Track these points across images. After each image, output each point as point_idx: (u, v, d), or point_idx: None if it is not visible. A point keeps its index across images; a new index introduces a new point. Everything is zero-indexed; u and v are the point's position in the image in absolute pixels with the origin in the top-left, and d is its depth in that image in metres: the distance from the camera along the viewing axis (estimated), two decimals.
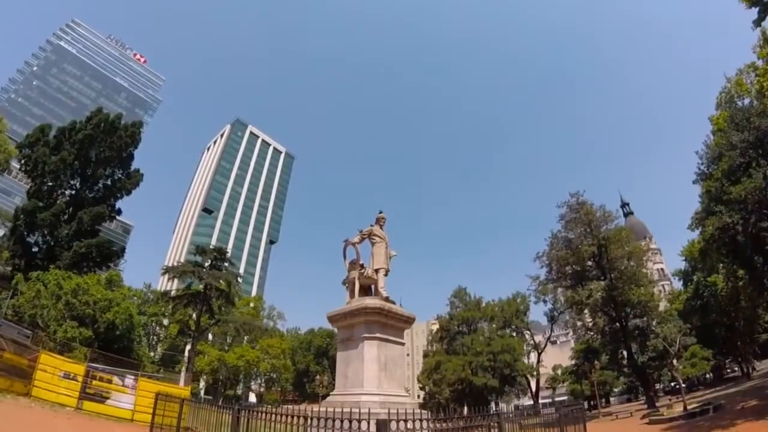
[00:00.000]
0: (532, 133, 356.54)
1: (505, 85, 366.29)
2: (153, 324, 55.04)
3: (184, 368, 46.57)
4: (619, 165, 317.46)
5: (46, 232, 34.99)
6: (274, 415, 6.66)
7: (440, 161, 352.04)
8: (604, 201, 58.17)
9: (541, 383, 58.37)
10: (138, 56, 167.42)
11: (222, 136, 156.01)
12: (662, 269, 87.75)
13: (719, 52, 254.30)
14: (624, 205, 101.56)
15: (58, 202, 36.05)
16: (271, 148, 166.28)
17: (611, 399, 67.70)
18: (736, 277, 31.57)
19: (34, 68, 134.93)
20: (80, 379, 19.72)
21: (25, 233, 34.93)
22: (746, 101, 22.00)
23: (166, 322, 55.20)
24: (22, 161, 36.97)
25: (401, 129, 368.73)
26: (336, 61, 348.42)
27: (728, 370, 62.80)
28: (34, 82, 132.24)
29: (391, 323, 10.54)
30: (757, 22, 18.99)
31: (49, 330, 25.60)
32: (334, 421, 5.43)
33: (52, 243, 35.02)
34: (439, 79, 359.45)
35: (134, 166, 41.64)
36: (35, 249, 35.66)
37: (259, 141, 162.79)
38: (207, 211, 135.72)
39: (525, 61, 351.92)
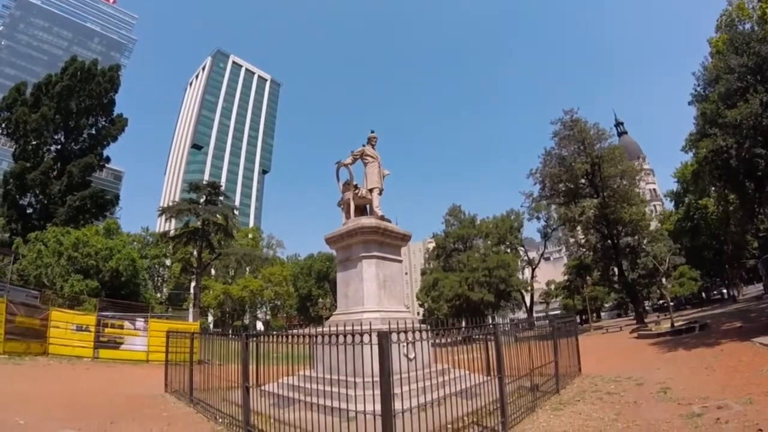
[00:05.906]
0: (526, 50, 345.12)
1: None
2: (156, 266, 56.08)
3: (191, 305, 47.98)
4: (615, 84, 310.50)
5: (38, 191, 34.78)
6: (280, 337, 6.95)
7: (431, 79, 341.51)
8: (598, 119, 57.30)
9: (535, 298, 60.13)
10: None
11: (204, 69, 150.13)
12: (654, 189, 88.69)
13: None
14: (618, 124, 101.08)
15: (45, 159, 35.50)
16: (255, 77, 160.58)
17: (602, 314, 70.57)
18: (727, 201, 31.63)
19: (0, 28, 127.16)
20: (93, 329, 20.40)
21: (17, 196, 34.74)
22: (747, 26, 21.15)
23: (168, 262, 56.03)
24: (3, 124, 36.11)
25: (391, 44, 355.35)
26: None
27: (715, 293, 64.70)
28: (2, 42, 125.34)
29: (387, 241, 10.64)
30: None
31: (56, 287, 25.98)
32: (337, 337, 5.66)
33: (45, 201, 34.85)
34: None
35: (117, 111, 40.84)
36: (29, 210, 35.64)
37: (243, 70, 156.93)
38: (196, 147, 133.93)
39: None
